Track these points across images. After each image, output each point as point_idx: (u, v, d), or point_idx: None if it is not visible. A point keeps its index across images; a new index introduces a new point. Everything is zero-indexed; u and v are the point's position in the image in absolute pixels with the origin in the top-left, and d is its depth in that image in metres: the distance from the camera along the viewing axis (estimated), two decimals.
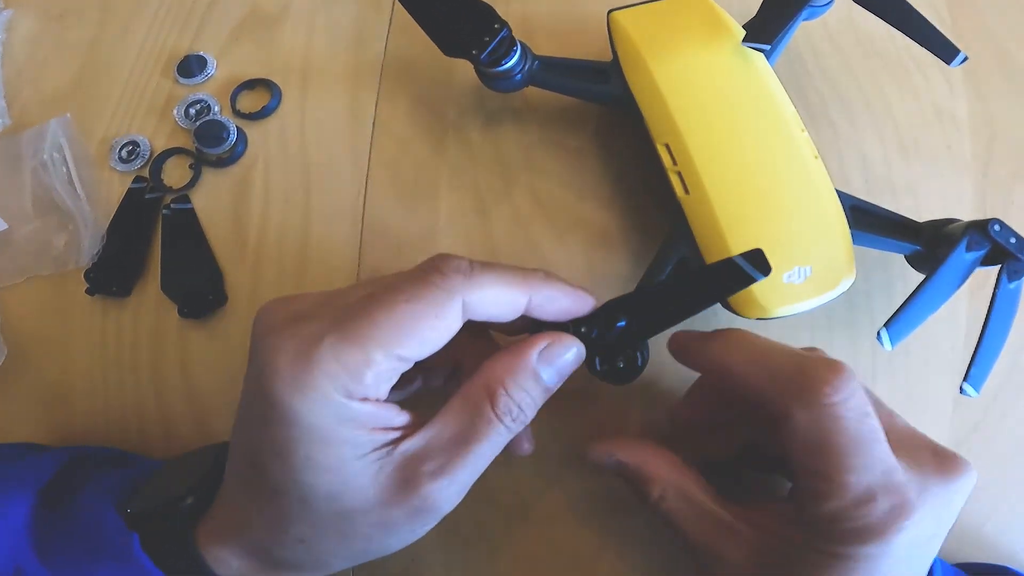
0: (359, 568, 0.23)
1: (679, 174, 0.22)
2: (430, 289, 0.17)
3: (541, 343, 0.19)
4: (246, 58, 0.27)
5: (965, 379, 0.21)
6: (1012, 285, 0.22)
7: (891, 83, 0.29)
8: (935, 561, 0.20)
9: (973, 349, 0.21)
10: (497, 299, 0.18)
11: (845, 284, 0.22)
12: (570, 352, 0.19)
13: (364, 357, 0.17)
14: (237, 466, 0.19)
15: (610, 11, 0.24)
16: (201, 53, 0.27)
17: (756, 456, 0.22)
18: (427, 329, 0.17)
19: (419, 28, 0.23)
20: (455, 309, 0.17)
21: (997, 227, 0.22)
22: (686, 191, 0.22)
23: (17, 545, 0.20)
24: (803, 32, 0.30)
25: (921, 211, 0.29)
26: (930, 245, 0.23)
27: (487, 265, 0.18)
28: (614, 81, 0.24)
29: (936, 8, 0.31)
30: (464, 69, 0.27)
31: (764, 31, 0.22)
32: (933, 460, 0.19)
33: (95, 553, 0.20)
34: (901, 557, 0.17)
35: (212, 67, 0.27)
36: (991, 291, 0.22)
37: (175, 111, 0.26)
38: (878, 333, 0.20)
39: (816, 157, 0.23)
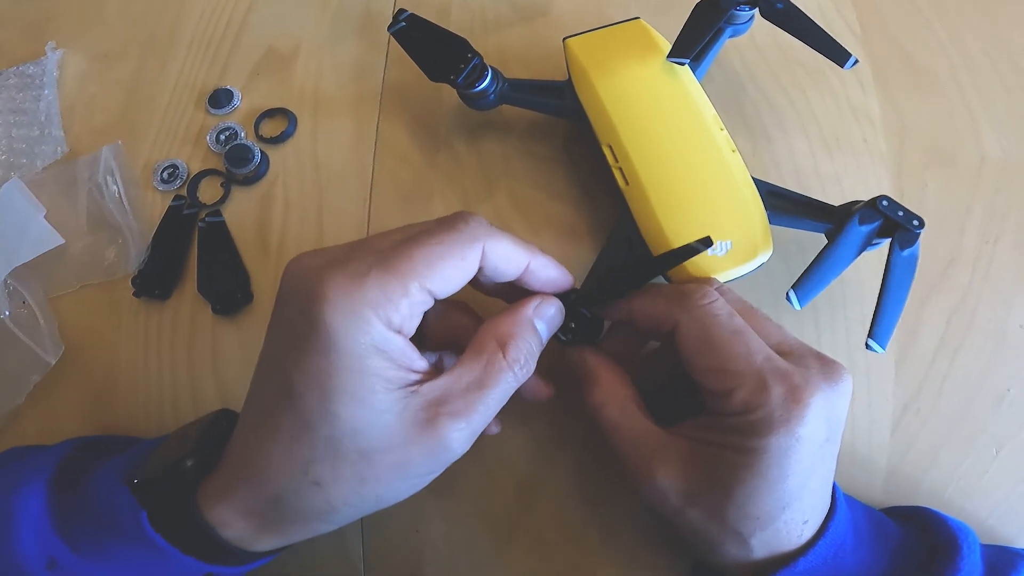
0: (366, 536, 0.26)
1: (620, 169, 0.26)
2: (458, 234, 0.20)
3: (534, 302, 0.22)
4: (266, 90, 0.32)
5: (869, 335, 0.24)
6: (905, 252, 0.25)
7: (812, 87, 0.34)
8: (837, 491, 0.22)
9: (875, 311, 0.24)
10: (508, 254, 0.21)
11: (762, 257, 0.25)
12: (556, 308, 0.23)
13: (403, 288, 0.18)
14: (260, 406, 0.20)
15: (565, 38, 0.29)
16: (228, 87, 0.31)
17: (683, 390, 0.24)
18: (452, 268, 0.19)
19: (411, 60, 0.28)
20: (476, 253, 0.20)
21: (885, 202, 0.25)
22: (626, 183, 0.26)
23: (44, 535, 0.21)
24: (735, 49, 0.34)
25: (847, 198, 0.33)
26: (839, 223, 0.26)
27: (500, 229, 0.21)
28: (568, 96, 0.28)
29: (845, 18, 0.35)
30: (450, 93, 0.31)
31: (683, 47, 0.27)
32: (817, 363, 0.21)
33: (113, 534, 0.20)
34: (806, 454, 0.19)
35: (237, 99, 0.32)
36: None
37: (208, 137, 0.31)
38: (787, 294, 0.24)
39: (734, 151, 0.27)
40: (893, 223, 0.25)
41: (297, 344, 0.18)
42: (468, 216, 0.20)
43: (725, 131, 0.27)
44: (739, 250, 0.25)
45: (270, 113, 0.32)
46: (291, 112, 0.32)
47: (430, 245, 0.19)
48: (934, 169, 0.33)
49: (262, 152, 0.31)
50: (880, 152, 0.33)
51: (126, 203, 0.31)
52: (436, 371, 0.20)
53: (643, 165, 0.26)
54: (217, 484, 0.20)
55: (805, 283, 0.24)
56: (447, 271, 0.19)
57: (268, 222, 0.31)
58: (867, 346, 0.24)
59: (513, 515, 0.27)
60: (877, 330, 0.24)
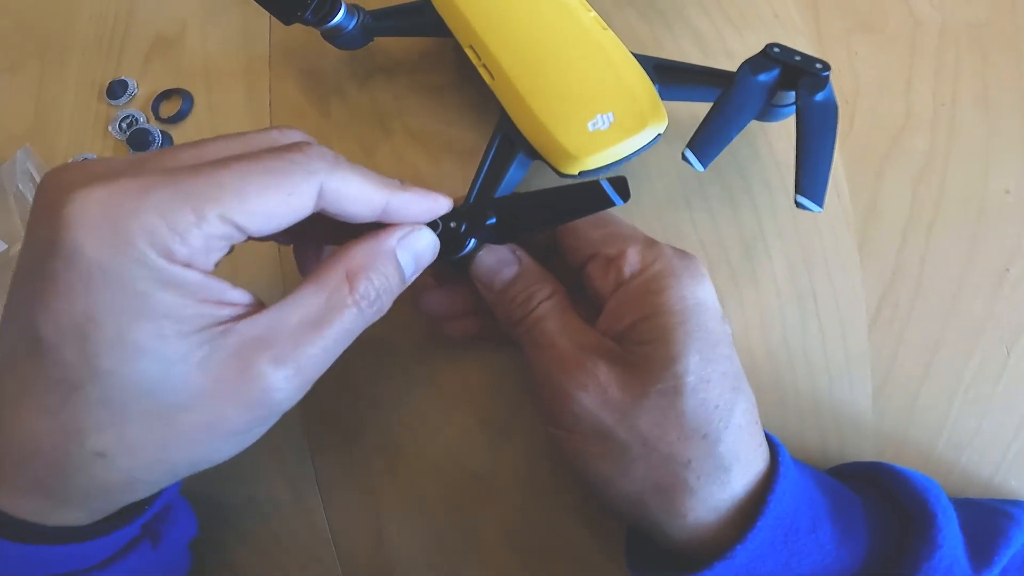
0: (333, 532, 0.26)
1: (484, 66, 0.25)
2: (288, 164, 0.16)
3: (400, 231, 0.18)
4: (160, 75, 0.33)
5: (797, 191, 0.21)
6: (818, 98, 0.23)
7: None
8: (778, 443, 0.20)
9: (796, 164, 0.22)
10: (357, 194, 0.17)
11: (654, 129, 0.24)
12: (427, 240, 0.19)
13: (195, 215, 0.14)
14: (6, 365, 0.15)
15: None
16: (123, 77, 0.33)
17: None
18: (275, 203, 0.15)
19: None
20: (311, 191, 0.16)
21: (776, 49, 0.24)
22: (492, 77, 0.25)
23: None
24: None
25: None
26: (731, 85, 0.23)
27: (352, 164, 0.17)
28: (428, 12, 0.27)
29: None
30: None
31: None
32: (673, 250, 0.21)
33: None
34: (716, 310, 0.19)
35: (133, 87, 0.33)
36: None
37: (110, 127, 0.32)
38: (683, 153, 0.22)
39: (605, 29, 0.25)
40: (793, 69, 0.23)
41: (45, 282, 0.14)
42: (307, 147, 0.17)
43: (594, 12, 0.26)
44: (624, 122, 0.23)
45: (166, 95, 0.33)
46: (185, 91, 0.32)
47: (248, 171, 0.15)
48: (860, 36, 0.31)
49: (163, 133, 0.32)
50: (795, 24, 0.31)
51: None
52: (260, 305, 0.17)
53: (504, 55, 0.25)
54: None
55: (700, 140, 0.22)
56: (267, 205, 0.15)
57: None
58: (797, 203, 0.21)
59: (482, 504, 0.26)
60: (804, 183, 0.21)
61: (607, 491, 0.19)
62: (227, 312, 0.16)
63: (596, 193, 0.19)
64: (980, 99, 0.30)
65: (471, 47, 0.26)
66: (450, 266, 0.22)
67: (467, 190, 0.24)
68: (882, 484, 0.21)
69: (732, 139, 0.23)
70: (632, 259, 0.20)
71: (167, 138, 0.32)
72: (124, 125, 0.32)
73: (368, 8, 0.28)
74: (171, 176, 0.15)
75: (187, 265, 0.15)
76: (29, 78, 0.33)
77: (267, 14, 0.34)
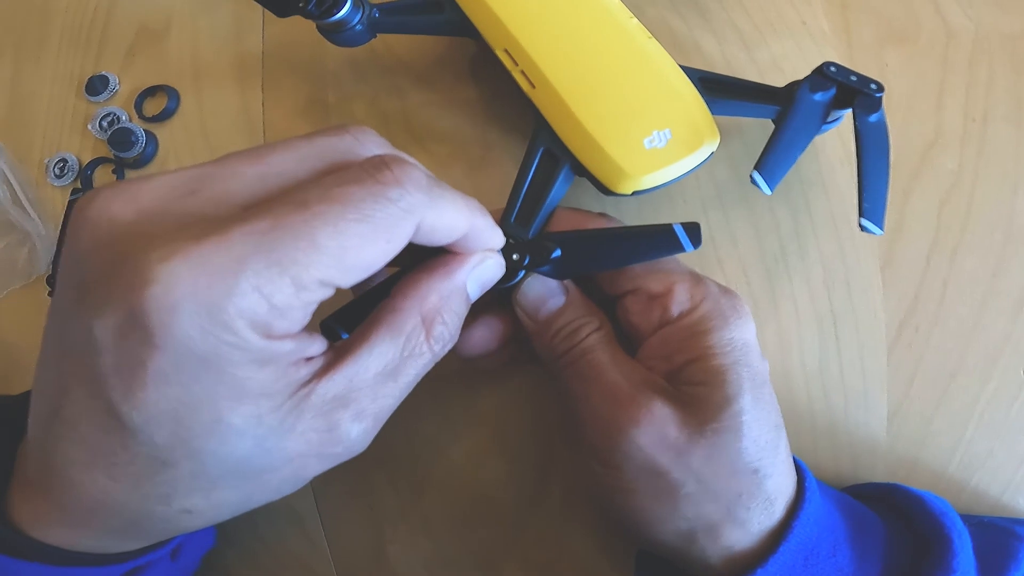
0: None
1: (523, 72, 0.23)
2: (386, 207, 0.14)
3: (473, 261, 0.17)
4: (144, 70, 0.31)
5: (861, 215, 0.21)
6: (871, 118, 0.23)
7: None
8: (804, 468, 0.20)
9: (858, 191, 0.22)
10: (448, 226, 0.15)
11: (709, 146, 0.22)
12: (496, 270, 0.18)
13: (294, 288, 0.13)
14: (74, 432, 0.14)
15: None
16: (103, 73, 0.30)
17: None
18: (373, 255, 0.14)
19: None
20: (408, 233, 0.14)
21: (833, 68, 0.23)
22: (532, 85, 0.23)
23: None
24: None
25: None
26: (786, 101, 0.23)
27: (441, 182, 0.16)
28: (447, 8, 0.25)
29: None
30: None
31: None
32: (719, 288, 0.20)
33: None
34: (756, 352, 0.19)
35: (115, 83, 0.30)
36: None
37: (89, 126, 0.30)
38: (751, 176, 0.21)
39: (650, 38, 0.24)
40: (848, 89, 0.23)
41: (128, 369, 0.13)
42: (402, 174, 0.14)
43: (636, 19, 0.24)
44: (681, 139, 0.22)
45: (150, 91, 0.30)
46: (171, 88, 0.30)
47: (344, 222, 0.13)
48: (891, 47, 0.29)
49: (147, 132, 0.30)
50: (823, 33, 0.29)
51: (26, 203, 0.30)
52: (331, 353, 0.15)
53: (547, 62, 0.23)
54: (35, 504, 0.16)
55: (768, 162, 0.22)
56: (364, 258, 0.14)
57: None
58: (861, 227, 0.21)
59: (466, 483, 0.25)
60: (867, 207, 0.22)
61: (651, 528, 0.18)
62: (307, 371, 0.15)
63: (668, 237, 0.19)
64: (1012, 116, 0.28)
65: (506, 51, 0.24)
66: (494, 293, 0.20)
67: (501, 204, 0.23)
68: (898, 505, 0.21)
69: (796, 159, 0.22)
70: (680, 297, 0.19)
71: (151, 138, 0.30)
72: (105, 123, 0.30)
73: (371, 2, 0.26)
74: (261, 237, 0.13)
75: (284, 336, 0.14)
76: (2, 71, 0.31)
77: (260, 8, 0.32)
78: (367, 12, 0.25)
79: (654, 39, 0.24)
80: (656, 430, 0.18)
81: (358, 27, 0.25)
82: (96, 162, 0.30)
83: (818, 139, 0.28)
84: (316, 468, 0.16)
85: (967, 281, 0.26)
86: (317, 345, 0.15)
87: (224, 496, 0.15)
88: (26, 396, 0.18)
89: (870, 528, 0.20)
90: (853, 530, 0.19)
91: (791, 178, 0.28)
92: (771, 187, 0.21)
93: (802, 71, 0.29)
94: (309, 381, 0.14)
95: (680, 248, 0.19)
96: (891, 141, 0.28)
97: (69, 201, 0.31)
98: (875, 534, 0.20)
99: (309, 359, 0.15)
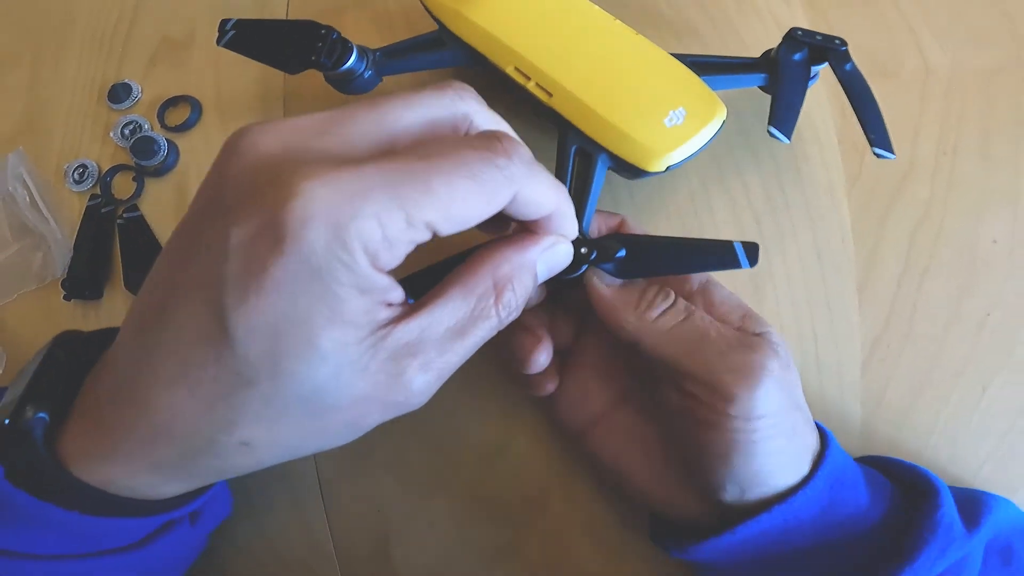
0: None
1: (537, 85, 0.25)
2: (494, 172, 0.15)
3: (547, 242, 0.18)
4: (166, 80, 0.31)
5: (873, 145, 0.25)
6: (847, 67, 0.27)
7: (733, 4, 0.32)
8: (829, 436, 0.22)
9: (861, 127, 0.26)
10: (539, 202, 0.17)
11: (719, 117, 0.25)
12: (565, 255, 0.19)
13: (405, 224, 0.14)
14: (164, 344, 0.15)
15: None
16: (126, 81, 0.31)
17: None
18: (474, 210, 0.15)
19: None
20: (507, 199, 0.16)
21: (800, 32, 0.27)
22: (549, 94, 0.25)
23: None
24: None
25: None
26: (771, 69, 0.27)
27: (540, 165, 0.17)
28: (449, 41, 0.27)
29: None
30: None
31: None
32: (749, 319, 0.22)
33: None
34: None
35: (138, 91, 0.31)
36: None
37: (112, 133, 0.31)
38: (768, 130, 0.24)
39: (637, 34, 0.26)
40: (818, 48, 0.27)
41: (251, 274, 0.14)
42: (512, 148, 0.16)
43: (619, 21, 0.26)
44: (695, 115, 0.25)
45: (172, 102, 0.31)
46: (194, 99, 0.31)
47: (456, 177, 0.15)
48: (876, 81, 0.31)
49: (169, 142, 0.31)
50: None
51: (43, 208, 0.31)
52: (406, 303, 0.16)
53: (558, 71, 0.25)
54: (89, 437, 0.16)
55: (778, 117, 0.25)
56: (466, 211, 0.15)
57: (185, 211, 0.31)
58: (876, 155, 0.25)
59: (472, 486, 0.26)
60: (874, 138, 0.26)
61: (771, 461, 0.20)
62: (388, 314, 0.15)
63: (727, 253, 0.20)
64: (980, 149, 0.31)
65: (516, 69, 0.25)
66: (559, 284, 0.21)
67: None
68: (886, 468, 0.24)
69: (799, 110, 0.26)
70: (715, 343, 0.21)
71: (172, 147, 0.31)
72: (127, 131, 0.31)
73: (369, 47, 0.27)
74: (387, 175, 0.14)
75: (382, 270, 0.15)
76: (21, 76, 0.31)
77: (284, 18, 0.33)
78: (371, 57, 0.26)
79: (641, 35, 0.26)
80: (780, 369, 0.20)
81: (366, 74, 0.26)
82: (116, 169, 0.31)
83: (805, 171, 0.30)
84: (376, 417, 0.16)
85: (934, 303, 0.28)
86: (398, 293, 0.16)
87: (285, 432, 0.15)
88: (94, 333, 0.20)
89: (875, 475, 0.23)
90: (865, 473, 0.22)
91: (779, 208, 0.30)
92: (788, 136, 0.25)
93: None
94: (388, 323, 0.15)
95: (737, 264, 0.20)
96: (869, 174, 0.31)
97: (87, 206, 0.31)
98: (880, 479, 0.23)
99: (390, 304, 0.16)
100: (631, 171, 0.25)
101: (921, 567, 0.19)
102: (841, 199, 0.30)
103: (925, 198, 0.30)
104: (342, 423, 0.16)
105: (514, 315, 0.18)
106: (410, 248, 0.15)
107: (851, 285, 0.29)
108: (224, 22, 0.26)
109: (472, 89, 0.18)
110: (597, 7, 0.27)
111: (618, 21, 0.26)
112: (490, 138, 0.16)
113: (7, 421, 0.16)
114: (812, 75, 0.27)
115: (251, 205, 0.14)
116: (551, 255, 0.19)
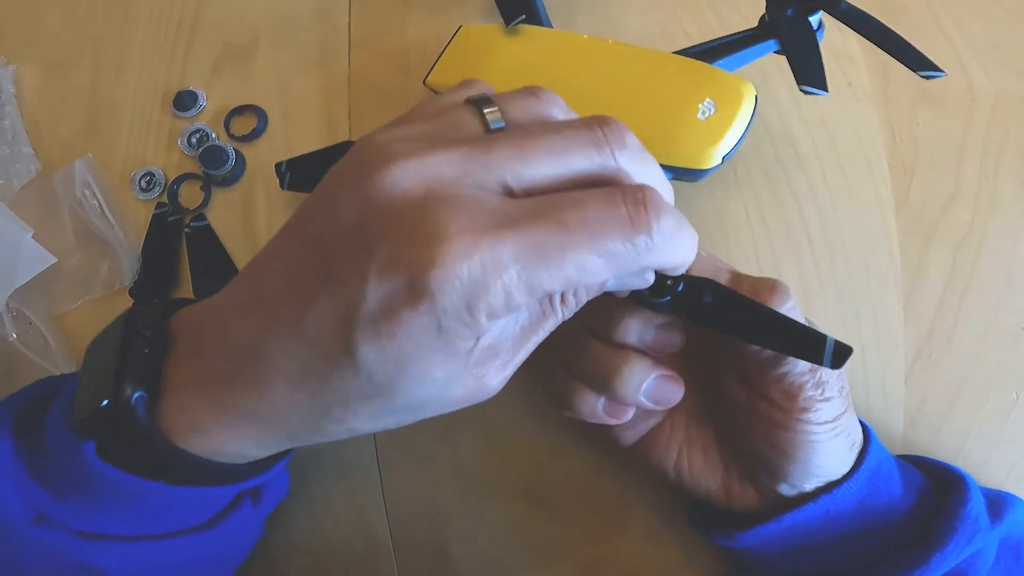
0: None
1: None
2: (630, 250, 0.16)
3: None
4: (230, 87, 0.31)
5: (918, 70, 0.26)
6: (843, 7, 0.27)
7: None
8: (870, 430, 0.24)
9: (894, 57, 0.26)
10: (670, 265, 0.17)
11: (751, 96, 0.26)
12: (643, 282, 0.19)
13: (529, 296, 0.15)
14: (287, 350, 0.16)
15: (424, 80, 0.29)
16: (191, 88, 0.31)
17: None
18: (598, 281, 0.16)
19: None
20: (635, 270, 0.16)
21: None
22: None
23: (21, 484, 0.18)
24: None
25: (835, 141, 0.33)
26: (780, 32, 0.26)
27: (685, 223, 0.17)
28: None
29: None
30: (417, 68, 0.30)
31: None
32: None
33: (77, 476, 0.18)
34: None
35: (203, 99, 0.31)
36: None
37: (179, 141, 0.31)
38: (803, 90, 0.25)
39: (634, 46, 0.27)
40: (802, 2, 0.26)
41: (384, 314, 0.15)
42: (656, 221, 0.16)
43: (611, 40, 0.27)
44: (725, 101, 0.25)
45: (239, 111, 0.31)
46: (259, 108, 0.31)
47: (591, 256, 0.15)
48: (923, 107, 0.33)
49: (236, 151, 0.31)
50: (866, 92, 0.32)
51: (109, 215, 0.31)
52: None
53: (582, 97, 0.25)
54: (198, 412, 0.17)
55: (802, 73, 0.25)
56: (589, 284, 0.16)
57: (253, 222, 0.31)
58: (925, 77, 0.26)
59: (529, 489, 0.27)
60: (911, 62, 0.26)
61: (831, 459, 0.22)
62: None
63: (814, 346, 0.19)
64: (1019, 173, 0.32)
65: None
66: (633, 298, 0.20)
67: None
68: (919, 464, 0.26)
69: (819, 59, 0.26)
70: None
71: (240, 157, 0.31)
72: (194, 139, 0.31)
73: None
74: (522, 246, 0.15)
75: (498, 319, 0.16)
76: (82, 79, 0.30)
77: (347, 31, 0.32)
78: None
79: (634, 45, 0.27)
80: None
81: None
82: (183, 177, 0.31)
83: (856, 192, 0.31)
84: (457, 407, 0.18)
85: (973, 318, 0.30)
86: None
87: (383, 422, 0.17)
88: (166, 308, 0.20)
89: (908, 468, 0.24)
90: (899, 467, 0.24)
91: (831, 226, 0.31)
92: (823, 88, 0.25)
93: (845, 128, 0.33)
94: (479, 334, 0.16)
95: (819, 360, 0.19)
96: (917, 197, 0.32)
97: (154, 215, 0.31)
98: (912, 471, 0.24)
99: None
100: (690, 174, 0.25)
101: (950, 554, 0.21)
102: (890, 219, 0.31)
103: (967, 219, 0.32)
104: (431, 412, 0.18)
105: (571, 313, 0.18)
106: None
107: (897, 300, 0.30)
108: (278, 166, 0.27)
109: (627, 130, 0.17)
110: (586, 36, 0.27)
111: (611, 41, 0.27)
112: (636, 204, 0.16)
113: (106, 402, 0.17)
114: (817, 27, 0.27)
115: (393, 253, 0.15)
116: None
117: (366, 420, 0.17)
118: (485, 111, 0.18)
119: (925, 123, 0.33)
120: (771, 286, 0.21)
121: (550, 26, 0.29)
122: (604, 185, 0.17)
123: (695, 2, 0.32)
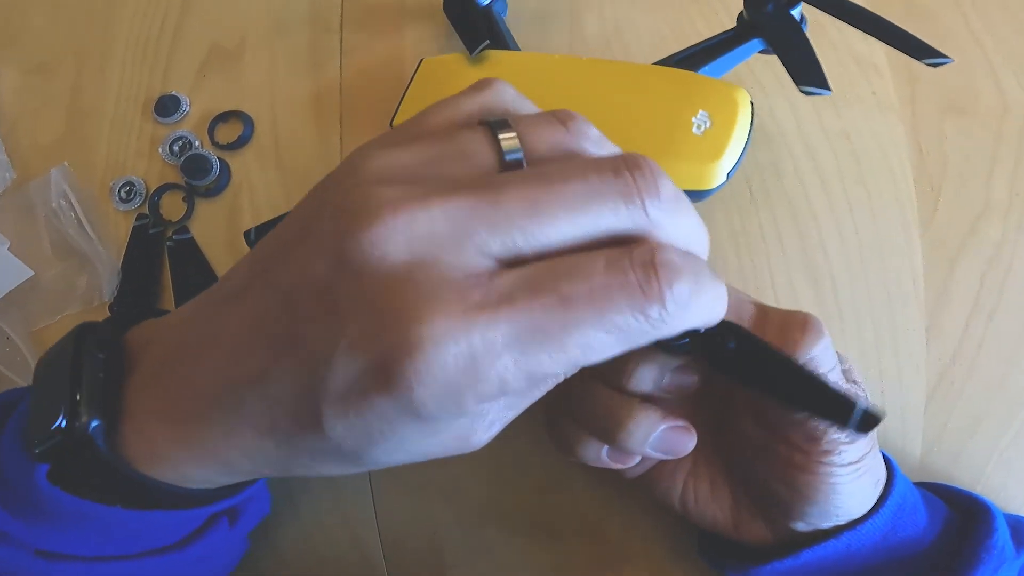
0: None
1: None
2: (642, 323, 0.14)
3: None
4: (216, 92, 0.30)
5: (924, 59, 0.24)
6: None
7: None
8: (893, 463, 0.23)
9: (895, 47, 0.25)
10: (690, 326, 0.15)
11: (745, 102, 0.24)
12: None
13: (528, 384, 0.14)
14: (275, 407, 0.15)
15: (390, 123, 0.27)
16: (174, 92, 0.29)
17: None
18: (605, 358, 0.14)
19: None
20: (645, 343, 0.14)
21: None
22: None
23: None
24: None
25: (858, 154, 0.31)
26: (764, 30, 0.25)
27: (703, 280, 0.14)
28: None
29: None
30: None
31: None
32: None
33: (30, 497, 0.17)
34: None
35: (186, 104, 0.29)
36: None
37: (160, 149, 0.29)
38: (803, 91, 0.23)
39: (612, 60, 0.26)
40: None
41: (347, 392, 0.14)
42: (670, 291, 0.13)
43: (589, 57, 0.26)
44: (718, 110, 0.24)
45: (223, 117, 0.29)
46: (246, 114, 0.29)
47: (597, 334, 0.13)
48: (952, 119, 0.31)
49: (221, 160, 0.29)
50: (891, 104, 0.31)
51: (88, 227, 0.29)
52: None
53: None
54: (164, 443, 0.16)
55: (797, 73, 0.23)
56: (595, 362, 0.14)
57: (239, 235, 0.30)
58: (933, 65, 0.24)
59: (530, 515, 0.27)
60: (915, 51, 0.24)
61: (853, 499, 0.21)
62: None
63: (842, 409, 0.16)
64: None
65: None
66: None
67: None
68: (942, 493, 0.25)
69: (812, 55, 0.24)
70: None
71: (224, 167, 0.29)
72: (176, 148, 0.29)
73: None
74: (520, 334, 0.13)
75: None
76: (63, 83, 0.29)
77: (339, 33, 0.31)
78: None
79: (616, 60, 0.26)
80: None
81: None
82: (165, 188, 0.29)
83: (880, 210, 0.29)
84: (435, 456, 0.16)
85: (999, 342, 0.28)
86: None
87: (357, 470, 0.16)
88: (117, 325, 0.19)
89: (932, 498, 0.24)
90: (923, 498, 0.23)
91: (851, 247, 0.29)
92: (825, 87, 0.23)
93: (868, 140, 0.31)
94: None
95: (844, 424, 0.17)
96: (944, 213, 0.30)
97: (134, 227, 0.30)
98: (936, 502, 0.23)
99: None
100: (694, 196, 0.24)
101: None
102: (915, 239, 0.30)
103: (996, 239, 0.30)
104: (403, 463, 0.16)
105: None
106: None
107: (920, 323, 0.29)
108: (247, 233, 0.25)
109: (660, 173, 0.15)
110: (558, 55, 0.26)
111: (586, 58, 0.25)
112: (647, 271, 0.13)
113: (63, 425, 0.16)
114: (801, 20, 0.25)
115: (366, 332, 0.13)
116: None
117: (337, 469, 0.16)
118: (501, 137, 0.15)
119: (953, 135, 0.31)
120: (803, 323, 0.19)
121: (517, 48, 0.27)
122: (629, 243, 0.14)
123: (664, 6, 0.30)
